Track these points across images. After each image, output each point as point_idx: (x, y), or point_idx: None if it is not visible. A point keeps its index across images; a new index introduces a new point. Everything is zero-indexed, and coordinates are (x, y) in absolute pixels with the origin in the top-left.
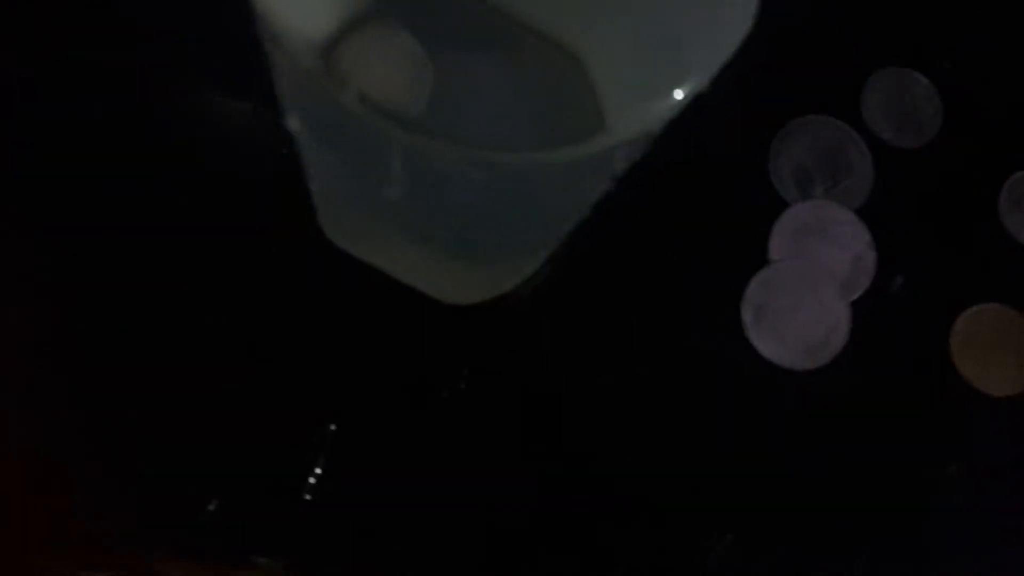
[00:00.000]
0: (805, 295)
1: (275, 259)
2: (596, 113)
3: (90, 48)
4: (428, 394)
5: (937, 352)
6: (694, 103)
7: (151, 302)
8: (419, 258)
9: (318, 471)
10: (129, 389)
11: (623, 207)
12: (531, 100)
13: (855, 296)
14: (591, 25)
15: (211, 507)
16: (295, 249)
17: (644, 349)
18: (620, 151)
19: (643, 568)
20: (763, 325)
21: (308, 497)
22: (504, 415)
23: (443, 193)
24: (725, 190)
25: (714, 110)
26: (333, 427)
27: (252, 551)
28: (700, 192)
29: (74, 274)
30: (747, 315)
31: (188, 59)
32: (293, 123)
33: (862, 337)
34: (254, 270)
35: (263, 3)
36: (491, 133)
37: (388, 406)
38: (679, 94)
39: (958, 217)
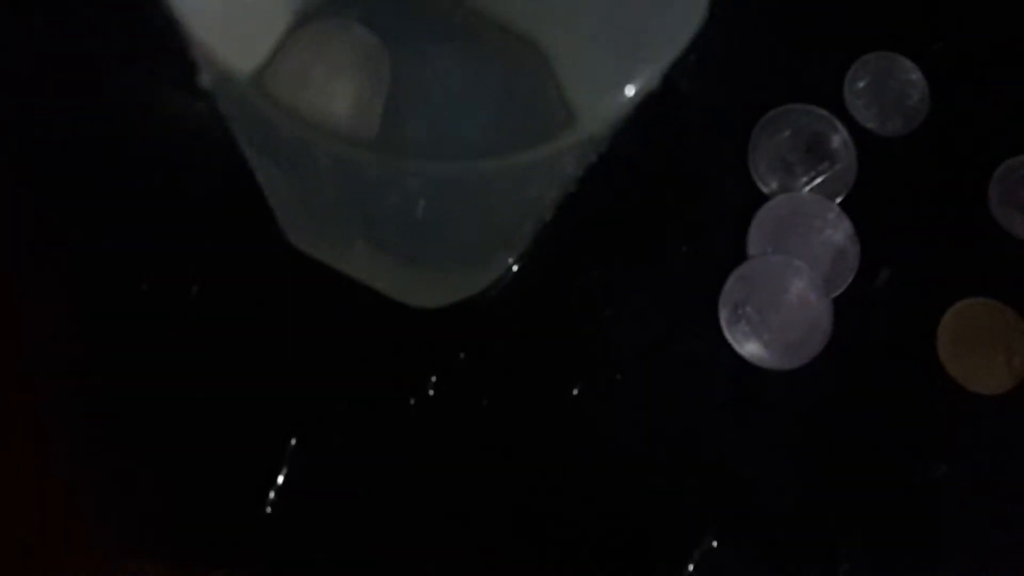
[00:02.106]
0: (785, 291)
1: (235, 263)
2: (563, 108)
3: (40, 38)
4: (395, 401)
5: (923, 349)
6: (671, 93)
7: (106, 308)
8: (378, 263)
9: (280, 482)
10: (86, 398)
11: (595, 202)
12: (492, 93)
13: (838, 292)
14: (551, 13)
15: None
16: (256, 253)
17: (617, 351)
18: (568, 155)
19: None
20: (741, 324)
21: (269, 510)
22: (474, 422)
23: (379, 201)
24: (701, 183)
25: (691, 99)
26: (294, 440)
27: (211, 565)
28: (676, 185)
29: (36, 280)
30: (724, 313)
31: (139, 53)
32: (236, 133)
33: (845, 334)
34: (213, 274)
35: (192, 30)
36: (451, 128)
37: (353, 414)
38: (630, 90)
39: (945, 208)
